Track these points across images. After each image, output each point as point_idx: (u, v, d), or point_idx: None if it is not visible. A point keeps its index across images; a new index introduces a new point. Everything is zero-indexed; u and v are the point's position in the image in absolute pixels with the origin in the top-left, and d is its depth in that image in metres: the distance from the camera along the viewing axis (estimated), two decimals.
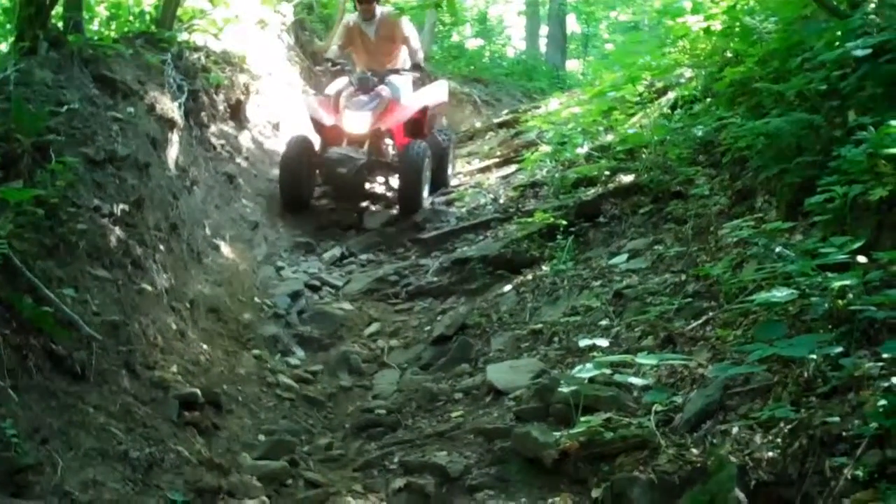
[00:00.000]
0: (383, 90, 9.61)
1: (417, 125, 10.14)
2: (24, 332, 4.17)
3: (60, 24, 7.10)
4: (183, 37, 9.18)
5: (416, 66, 10.14)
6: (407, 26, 10.20)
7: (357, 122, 9.41)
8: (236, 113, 9.72)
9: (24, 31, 6.56)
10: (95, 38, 7.88)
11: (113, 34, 8.83)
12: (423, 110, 10.15)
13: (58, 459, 3.65)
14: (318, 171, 9.74)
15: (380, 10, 10.03)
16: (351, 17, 10.24)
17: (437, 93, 10.81)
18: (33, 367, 4.10)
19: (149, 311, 5.50)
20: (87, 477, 3.65)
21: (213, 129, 8.89)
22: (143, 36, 8.52)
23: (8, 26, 7.93)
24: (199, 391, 5.13)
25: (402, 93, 9.98)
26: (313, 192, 9.93)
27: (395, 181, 10.01)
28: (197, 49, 9.25)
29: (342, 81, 9.98)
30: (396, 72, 9.96)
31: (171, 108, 7.61)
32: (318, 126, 9.79)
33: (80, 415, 4.10)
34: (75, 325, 4.55)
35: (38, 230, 4.79)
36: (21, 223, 4.65)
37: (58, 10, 7.05)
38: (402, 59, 10.27)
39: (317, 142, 9.90)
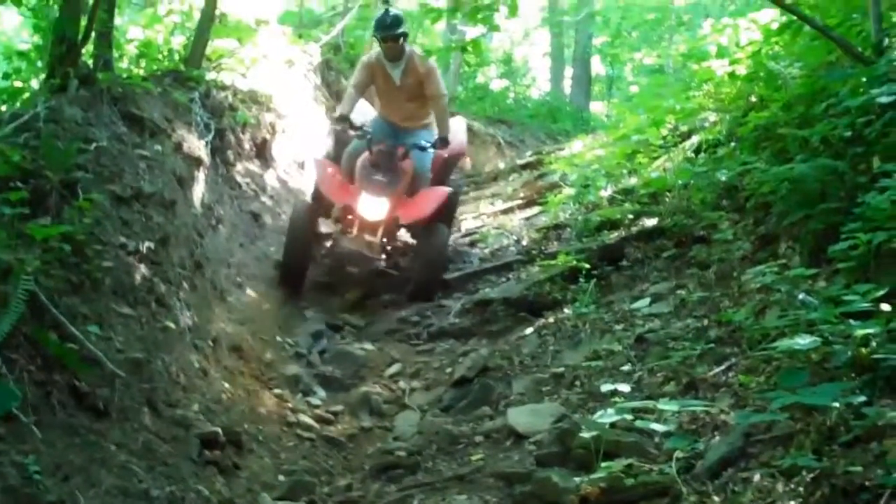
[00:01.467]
0: (406, 164, 8.41)
1: (437, 178, 9.03)
2: (48, 369, 4.20)
3: (90, 62, 7.19)
4: (211, 75, 9.29)
5: (443, 141, 8.53)
6: (439, 81, 8.66)
7: (374, 208, 8.23)
8: (262, 151, 9.80)
9: (54, 69, 6.65)
10: (125, 75, 7.98)
11: (142, 72, 8.93)
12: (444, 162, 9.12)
13: (79, 497, 3.66)
14: (322, 253, 8.64)
15: (409, 50, 8.54)
16: (372, 54, 8.67)
17: (456, 136, 9.29)
18: (56, 404, 4.13)
19: (172, 348, 5.53)
20: None
21: (238, 167, 8.97)
22: (171, 74, 8.63)
23: (39, 63, 8.02)
24: (220, 430, 5.14)
25: (427, 169, 8.74)
26: (308, 264, 8.61)
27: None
28: (224, 88, 9.35)
29: (359, 149, 8.53)
30: (423, 148, 8.53)
31: (197, 146, 7.69)
32: (326, 199, 8.59)
33: (102, 452, 4.12)
34: (99, 362, 4.58)
35: (65, 267, 4.84)
36: (48, 260, 4.69)
37: (88, 47, 7.14)
38: (427, 109, 8.78)
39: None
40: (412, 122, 8.75)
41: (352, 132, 8.43)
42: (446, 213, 8.93)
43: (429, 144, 8.51)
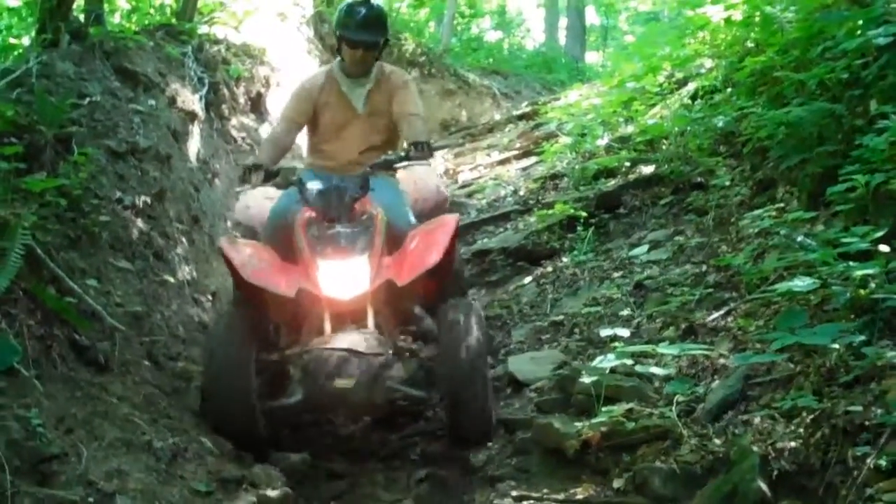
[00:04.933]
0: (370, 205, 5.10)
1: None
2: (47, 323, 4.20)
3: (82, 17, 7.13)
4: (203, 29, 9.21)
5: (419, 148, 5.29)
6: (417, 96, 5.81)
7: (346, 279, 4.85)
8: (257, 105, 9.74)
9: (45, 24, 6.60)
10: (117, 30, 7.91)
11: (134, 27, 8.86)
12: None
13: (82, 449, 3.67)
14: (283, 385, 5.05)
15: (381, 67, 5.76)
16: (319, 75, 5.91)
17: (429, 183, 5.97)
18: (57, 358, 4.13)
19: (171, 302, 5.55)
20: (111, 467, 3.66)
21: (233, 121, 8.91)
22: (163, 28, 8.56)
23: (30, 19, 7.96)
24: None
25: (403, 201, 5.53)
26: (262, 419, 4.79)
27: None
28: (217, 41, 9.27)
29: (286, 207, 5.31)
30: (388, 164, 5.37)
31: (191, 100, 7.65)
32: (259, 296, 4.95)
33: (104, 405, 4.13)
34: (98, 315, 4.58)
35: (61, 221, 4.83)
36: (44, 214, 4.68)
37: (79, 2, 7.08)
38: (396, 141, 5.81)
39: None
40: (368, 161, 5.48)
41: (268, 188, 5.33)
42: (455, 280, 5.65)
43: (393, 156, 5.39)
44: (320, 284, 4.76)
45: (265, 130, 9.64)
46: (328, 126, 5.70)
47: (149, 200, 5.84)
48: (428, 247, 4.95)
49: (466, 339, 4.76)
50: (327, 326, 4.75)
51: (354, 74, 5.67)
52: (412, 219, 5.42)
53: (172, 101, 7.32)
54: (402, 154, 5.29)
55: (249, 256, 4.92)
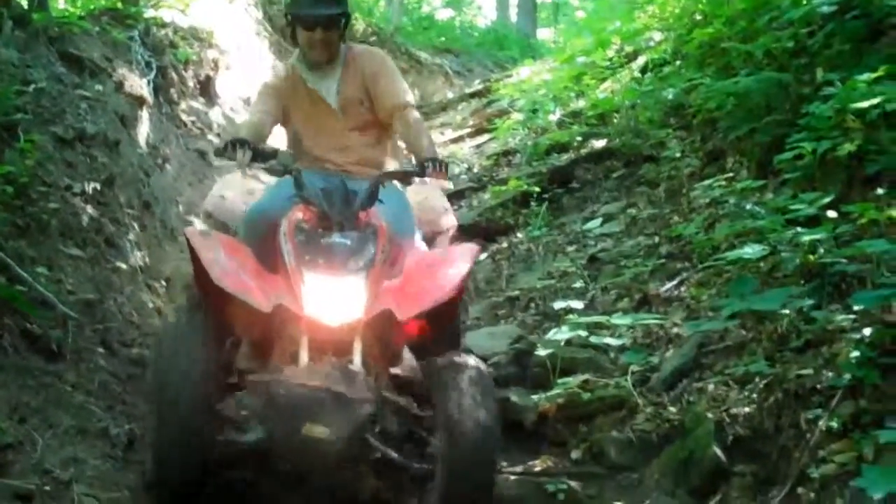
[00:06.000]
0: (374, 216, 4.13)
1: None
2: None
3: (25, 2, 7.02)
4: (149, 13, 9.09)
5: (434, 164, 4.22)
6: (400, 80, 4.77)
7: (336, 301, 3.85)
8: (206, 89, 9.64)
9: None
10: (61, 15, 7.80)
11: (78, 11, 8.74)
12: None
13: (37, 438, 3.64)
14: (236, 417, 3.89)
15: (348, 50, 4.75)
16: (281, 68, 5.04)
17: (436, 206, 5.04)
18: (9, 347, 4.08)
19: (124, 288, 5.49)
20: (67, 455, 3.64)
21: (183, 105, 8.82)
22: (108, 13, 8.43)
23: None
24: None
25: (412, 220, 4.56)
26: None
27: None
28: (164, 25, 9.15)
29: (278, 199, 4.31)
30: (403, 176, 4.38)
31: (139, 85, 7.55)
32: (226, 304, 3.93)
33: (58, 393, 4.09)
34: (50, 303, 4.53)
35: (9, 209, 4.76)
36: None
37: None
38: (388, 144, 4.85)
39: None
40: (365, 167, 4.63)
41: (259, 165, 4.26)
42: (450, 328, 4.45)
43: (410, 168, 4.39)
44: (304, 302, 3.73)
45: (216, 114, 9.56)
46: (301, 127, 4.71)
47: (98, 187, 5.77)
48: (439, 279, 3.95)
49: (473, 416, 3.70)
50: (304, 355, 3.72)
51: (318, 64, 4.60)
52: (420, 239, 4.56)
53: (120, 87, 7.23)
54: (418, 169, 4.22)
55: (221, 254, 3.90)
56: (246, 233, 4.33)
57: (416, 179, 4.29)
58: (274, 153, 4.16)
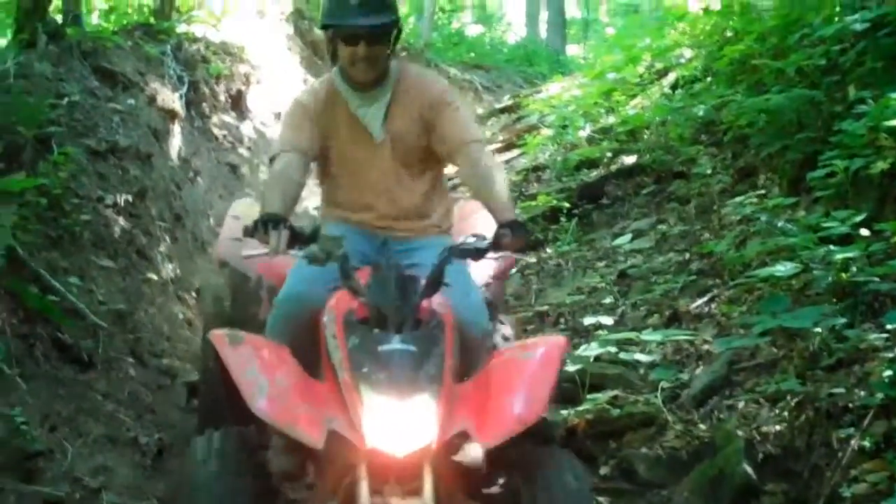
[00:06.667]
0: (437, 303, 3.32)
1: None
2: (30, 322, 4.20)
3: (59, 18, 7.10)
4: (182, 28, 9.18)
5: (515, 228, 3.36)
6: (466, 114, 3.94)
7: (404, 428, 2.93)
8: (237, 103, 9.71)
9: (23, 25, 6.57)
10: (94, 30, 7.89)
11: (112, 26, 8.83)
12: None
13: (67, 446, 3.68)
14: None
15: (401, 70, 3.88)
16: (318, 87, 3.93)
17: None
18: (41, 356, 4.13)
19: (154, 300, 5.53)
20: (97, 463, 3.68)
21: (214, 119, 8.89)
22: (141, 28, 8.53)
23: (7, 20, 7.93)
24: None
25: (483, 308, 3.71)
26: None
27: None
28: (196, 40, 9.24)
29: (314, 292, 3.48)
30: (473, 253, 3.41)
31: (171, 98, 7.62)
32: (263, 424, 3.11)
33: (89, 402, 4.13)
34: (81, 314, 4.57)
35: (42, 221, 4.81)
36: (25, 214, 4.66)
37: (56, 3, 7.06)
38: (440, 183, 4.02)
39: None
40: (415, 223, 3.89)
41: (296, 253, 3.38)
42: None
43: (484, 243, 3.41)
44: (364, 432, 2.95)
45: (247, 128, 9.63)
46: (338, 163, 3.85)
47: (130, 199, 5.82)
48: (524, 387, 3.16)
49: None
50: (364, 491, 2.95)
51: (363, 85, 3.73)
52: (490, 327, 3.78)
53: (152, 100, 7.30)
54: (491, 241, 3.37)
55: (257, 369, 3.10)
56: (278, 324, 3.57)
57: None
58: (315, 235, 3.31)
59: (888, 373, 3.47)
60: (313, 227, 3.38)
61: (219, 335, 3.21)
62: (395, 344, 3.07)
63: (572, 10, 29.20)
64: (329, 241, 3.27)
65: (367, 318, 3.18)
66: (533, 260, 7.21)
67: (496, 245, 3.35)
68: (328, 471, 3.12)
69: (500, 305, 3.96)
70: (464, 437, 3.08)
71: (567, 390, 4.74)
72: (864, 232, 4.20)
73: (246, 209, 4.39)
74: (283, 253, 3.26)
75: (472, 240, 3.41)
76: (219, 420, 3.50)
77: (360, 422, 2.95)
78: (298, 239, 3.30)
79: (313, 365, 3.31)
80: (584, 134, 9.20)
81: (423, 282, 3.24)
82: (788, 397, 3.85)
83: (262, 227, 3.25)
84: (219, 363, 3.18)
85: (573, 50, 28.06)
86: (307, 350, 3.34)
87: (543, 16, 26.63)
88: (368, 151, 3.78)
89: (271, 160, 3.74)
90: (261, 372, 3.08)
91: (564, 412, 4.48)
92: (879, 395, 3.43)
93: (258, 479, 3.16)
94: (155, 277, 5.67)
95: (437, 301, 3.29)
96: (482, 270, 3.89)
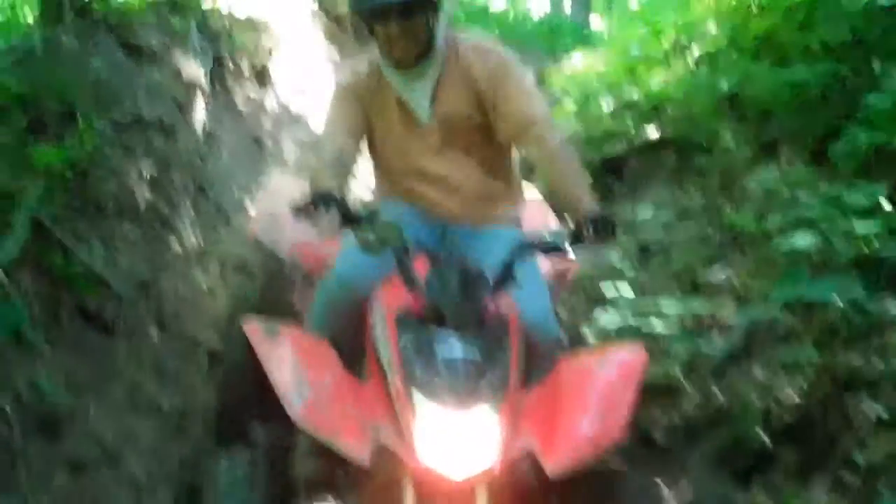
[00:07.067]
0: (507, 305, 3.05)
1: None
2: (55, 289, 4.25)
3: None
4: (207, 2, 9.20)
5: (597, 224, 2.98)
6: (530, 85, 3.51)
7: (460, 446, 2.62)
8: (261, 77, 9.72)
9: (49, 0, 6.61)
10: (121, 4, 7.92)
11: (138, 1, 8.86)
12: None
13: (91, 410, 3.73)
14: None
15: (451, 42, 3.45)
16: (361, 66, 3.58)
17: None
18: (65, 323, 4.18)
19: (178, 269, 5.58)
20: (119, 427, 3.74)
21: (238, 92, 8.91)
22: (167, 3, 8.55)
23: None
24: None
25: (549, 307, 3.38)
26: None
27: None
28: (221, 14, 9.26)
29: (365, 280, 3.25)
30: (549, 248, 3.04)
31: (196, 72, 7.65)
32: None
33: (112, 368, 4.19)
34: (106, 282, 4.62)
35: (68, 192, 4.86)
36: (51, 186, 4.71)
37: None
38: (509, 172, 3.67)
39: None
40: (478, 210, 3.57)
41: (347, 237, 3.06)
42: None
43: (563, 236, 3.04)
44: (416, 448, 2.60)
45: (271, 101, 9.64)
46: (384, 147, 3.56)
47: (155, 171, 5.87)
48: (598, 405, 2.77)
49: None
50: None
51: (405, 63, 3.34)
52: (560, 335, 3.37)
53: (177, 74, 7.32)
54: (573, 235, 2.97)
55: (298, 368, 2.75)
56: (321, 311, 3.26)
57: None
58: (372, 218, 2.94)
59: None
60: (369, 209, 3.01)
61: (253, 326, 2.89)
62: (455, 347, 2.71)
63: None
64: (386, 227, 2.93)
65: (423, 315, 2.84)
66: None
67: (577, 240, 2.93)
68: (367, 485, 2.75)
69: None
70: (528, 457, 2.70)
71: None
72: (886, 205, 4.20)
73: (282, 185, 4.20)
74: (334, 235, 2.98)
75: (547, 233, 3.05)
76: (240, 423, 3.38)
77: (411, 435, 2.59)
78: (352, 221, 2.93)
79: (356, 360, 3.04)
80: (607, 108, 9.18)
81: (489, 278, 2.90)
82: (806, 367, 3.86)
83: (314, 205, 2.90)
84: (250, 355, 2.85)
85: (597, 23, 27.96)
86: (351, 343, 3.08)
87: None
88: (415, 136, 3.43)
89: (318, 145, 3.46)
90: (301, 372, 2.74)
91: None
92: None
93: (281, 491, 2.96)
94: (178, 247, 5.71)
95: (503, 301, 2.95)
96: (543, 270, 3.46)
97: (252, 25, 9.74)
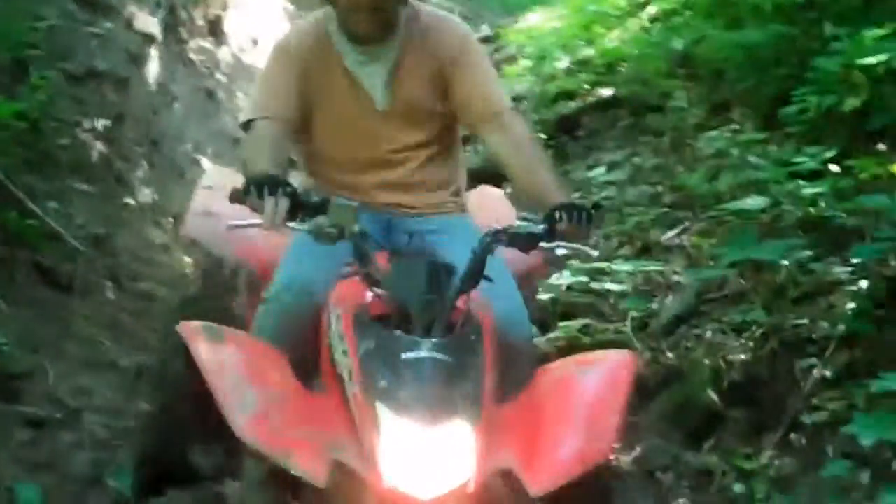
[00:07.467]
0: (477, 303, 2.57)
1: None
2: (9, 245, 4.24)
3: None
4: None
5: (571, 212, 2.62)
6: (491, 69, 3.20)
7: (434, 462, 2.21)
8: (215, 28, 9.61)
9: None
10: None
11: None
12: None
13: (48, 368, 3.74)
14: None
15: (412, 18, 3.01)
16: (306, 28, 3.10)
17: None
18: (21, 280, 4.17)
19: (133, 225, 5.56)
20: (78, 384, 3.75)
21: (191, 44, 8.81)
22: None
23: None
24: None
25: (521, 304, 2.93)
26: None
27: None
28: None
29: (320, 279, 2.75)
30: (525, 241, 2.62)
31: (149, 22, 7.56)
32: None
33: (69, 325, 4.19)
34: (61, 237, 4.60)
35: (21, 145, 4.82)
36: (3, 138, 4.67)
37: None
38: (456, 147, 3.28)
39: None
40: (429, 195, 3.19)
41: (299, 226, 2.55)
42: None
43: (539, 228, 2.63)
44: (381, 466, 2.25)
45: (224, 53, 9.54)
46: (326, 130, 3.07)
47: (108, 123, 5.82)
48: (584, 416, 2.50)
49: None
50: None
51: (364, 38, 2.93)
52: (535, 333, 3.28)
53: (129, 25, 7.24)
54: (547, 226, 2.62)
55: (241, 376, 2.39)
56: (269, 322, 2.80)
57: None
58: (324, 204, 2.52)
59: (851, 305, 3.57)
60: (324, 197, 2.57)
61: (191, 328, 2.48)
62: (424, 351, 2.35)
63: None
64: (342, 211, 2.50)
65: (385, 317, 2.46)
66: (510, 190, 7.08)
67: (552, 231, 2.61)
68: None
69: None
70: (507, 476, 2.38)
71: (539, 319, 4.83)
72: (834, 168, 4.28)
73: (220, 179, 3.59)
74: (280, 225, 2.49)
75: (519, 223, 2.64)
76: (171, 447, 3.00)
77: (375, 452, 2.26)
78: (302, 207, 2.50)
79: (311, 373, 2.64)
80: (562, 66, 9.19)
81: (453, 270, 2.51)
82: (754, 328, 3.95)
83: (257, 189, 2.45)
84: (187, 363, 2.46)
85: None
86: (305, 354, 2.66)
87: None
88: (369, 121, 3.01)
89: (245, 126, 2.98)
90: (247, 380, 2.38)
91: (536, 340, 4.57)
92: (842, 327, 3.54)
93: None
94: (132, 202, 5.69)
95: (474, 299, 2.56)
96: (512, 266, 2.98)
97: None
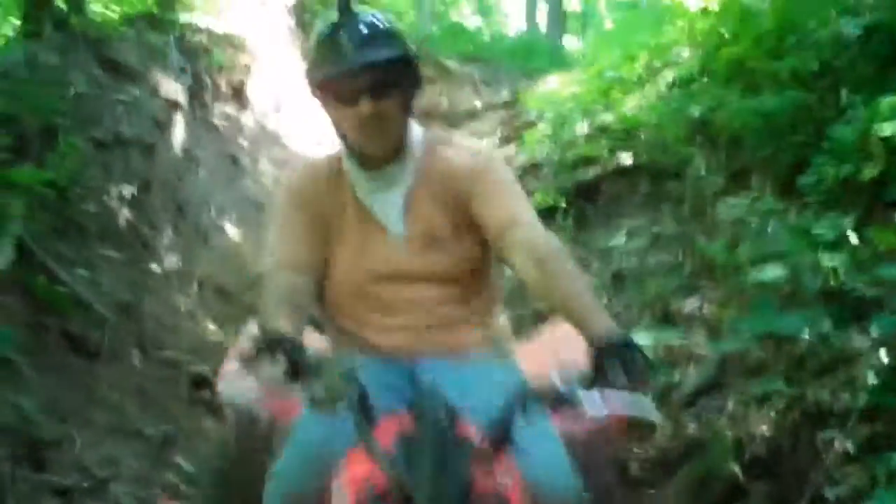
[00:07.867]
0: (503, 472, 2.17)
1: None
2: (39, 312, 4.29)
3: (64, 6, 7.16)
4: (185, 18, 9.23)
5: (612, 359, 2.06)
6: (513, 183, 2.70)
7: None
8: (238, 94, 9.76)
9: (28, 14, 6.64)
10: (98, 19, 7.94)
11: (115, 15, 8.88)
12: None
13: (75, 436, 3.77)
14: None
15: (427, 138, 2.75)
16: (324, 161, 2.82)
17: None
18: (49, 346, 4.22)
19: (158, 291, 5.62)
20: (104, 453, 3.78)
21: (215, 110, 8.95)
22: (145, 17, 8.59)
23: (11, 8, 7.99)
24: (208, 370, 5.23)
25: (570, 471, 2.39)
26: None
27: None
28: (199, 30, 9.29)
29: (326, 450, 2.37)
30: (563, 400, 2.08)
31: (174, 89, 7.69)
32: None
33: (96, 392, 4.23)
34: (88, 304, 4.66)
35: (50, 212, 4.90)
36: (32, 205, 4.74)
37: None
38: (488, 274, 2.82)
39: None
40: (458, 334, 2.73)
41: (298, 390, 2.16)
42: None
43: (579, 387, 2.06)
44: None
45: (247, 119, 9.67)
46: (340, 268, 2.75)
47: (135, 190, 5.91)
48: None
49: None
50: None
51: (374, 162, 2.68)
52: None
53: (155, 91, 7.36)
54: (590, 375, 2.10)
55: None
56: (275, 499, 2.49)
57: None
58: (320, 366, 2.20)
59: (872, 377, 3.57)
60: (325, 357, 2.29)
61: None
62: None
63: (572, 4, 29.22)
64: (337, 375, 2.18)
65: (389, 495, 2.09)
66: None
67: (599, 380, 2.07)
68: None
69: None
70: None
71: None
72: (853, 237, 4.29)
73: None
74: (283, 390, 2.22)
75: (558, 378, 2.11)
76: None
77: None
78: (304, 369, 2.18)
79: None
80: (581, 131, 9.25)
81: (477, 440, 2.14)
82: (776, 399, 3.95)
83: (257, 351, 2.19)
84: None
85: (572, 43, 28.11)
86: None
87: (543, 8, 26.68)
88: (384, 255, 2.69)
89: (264, 275, 2.77)
90: None
91: None
92: (863, 400, 3.53)
93: None
94: (158, 269, 5.76)
95: (499, 468, 2.16)
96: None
97: (230, 42, 9.79)
